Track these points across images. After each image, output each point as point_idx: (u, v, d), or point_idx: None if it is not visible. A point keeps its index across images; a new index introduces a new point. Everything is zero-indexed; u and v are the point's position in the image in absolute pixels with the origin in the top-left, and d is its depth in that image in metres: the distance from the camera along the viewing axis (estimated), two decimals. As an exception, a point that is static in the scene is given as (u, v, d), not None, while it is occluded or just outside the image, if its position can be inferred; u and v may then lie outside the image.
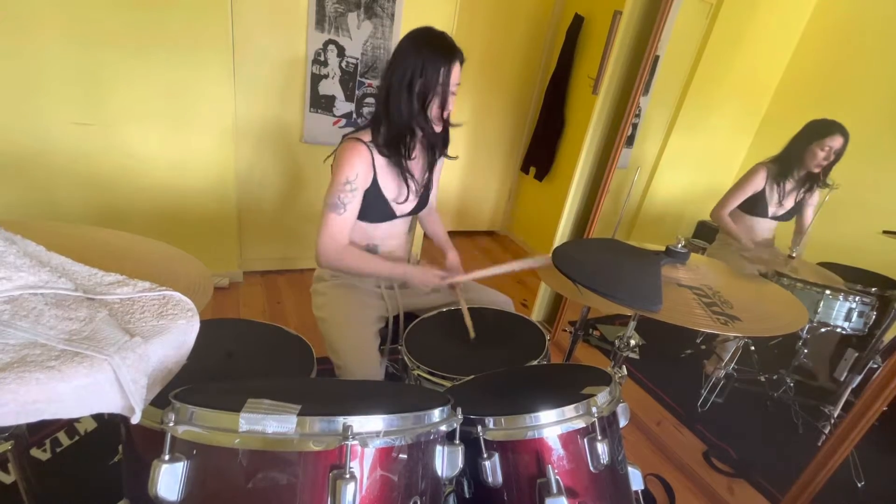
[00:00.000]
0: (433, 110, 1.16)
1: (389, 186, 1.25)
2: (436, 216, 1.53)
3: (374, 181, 1.22)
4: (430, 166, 1.32)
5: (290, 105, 2.27)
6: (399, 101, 1.14)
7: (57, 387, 0.47)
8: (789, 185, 1.83)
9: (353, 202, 1.19)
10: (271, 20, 2.08)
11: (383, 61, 2.31)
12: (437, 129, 1.22)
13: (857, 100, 1.79)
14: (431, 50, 1.10)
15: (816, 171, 1.76)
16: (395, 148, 1.20)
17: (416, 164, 1.29)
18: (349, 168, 1.16)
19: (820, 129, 1.74)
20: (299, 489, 0.54)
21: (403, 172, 1.23)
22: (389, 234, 1.33)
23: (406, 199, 1.29)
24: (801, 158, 1.78)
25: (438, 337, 1.23)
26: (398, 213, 1.30)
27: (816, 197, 1.82)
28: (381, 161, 1.21)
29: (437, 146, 1.30)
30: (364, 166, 1.18)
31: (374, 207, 1.25)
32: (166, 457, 0.55)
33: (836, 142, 1.70)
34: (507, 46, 3.17)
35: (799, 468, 1.35)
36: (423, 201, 1.35)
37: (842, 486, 1.53)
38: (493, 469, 0.73)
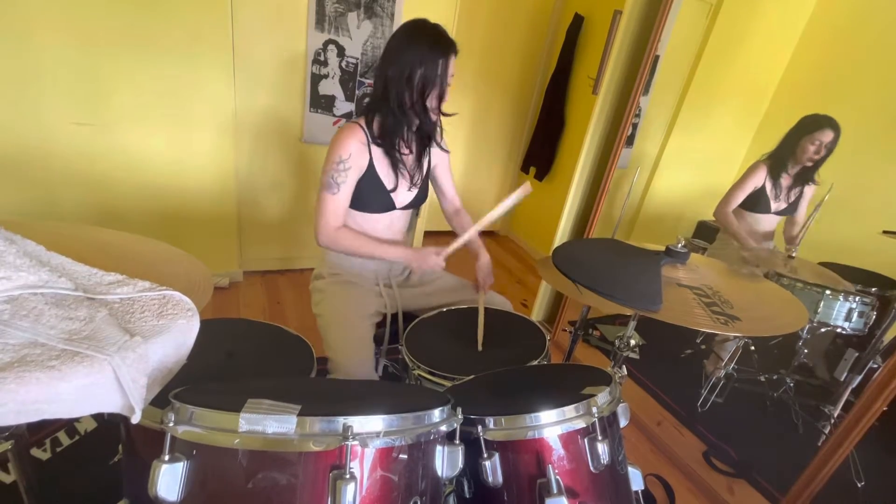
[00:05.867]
0: (432, 102, 1.18)
1: (386, 174, 1.25)
2: (464, 217, 1.51)
3: (371, 166, 1.22)
4: (421, 157, 1.32)
5: (290, 105, 2.27)
6: (399, 94, 1.15)
7: (57, 386, 0.47)
8: (785, 180, 1.84)
9: (347, 182, 1.20)
10: (271, 20, 2.08)
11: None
12: (434, 118, 1.24)
13: (856, 100, 1.79)
14: (430, 43, 1.12)
15: (809, 165, 1.77)
16: (390, 139, 1.21)
17: (409, 154, 1.30)
18: (343, 147, 1.18)
19: (810, 124, 1.75)
20: (299, 489, 0.54)
21: (396, 162, 1.24)
22: (389, 229, 1.33)
23: (401, 190, 1.29)
24: (794, 153, 1.80)
25: (438, 337, 1.23)
26: (398, 205, 1.30)
27: (810, 192, 1.83)
28: (376, 149, 1.23)
29: (431, 136, 1.31)
30: (358, 147, 1.19)
31: (373, 196, 1.25)
32: (166, 457, 0.55)
33: (826, 136, 1.71)
34: (507, 46, 3.17)
35: (799, 468, 1.35)
36: (421, 194, 1.35)
37: (842, 486, 1.52)
38: (493, 469, 0.73)
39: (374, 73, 1.22)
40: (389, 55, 1.15)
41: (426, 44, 1.12)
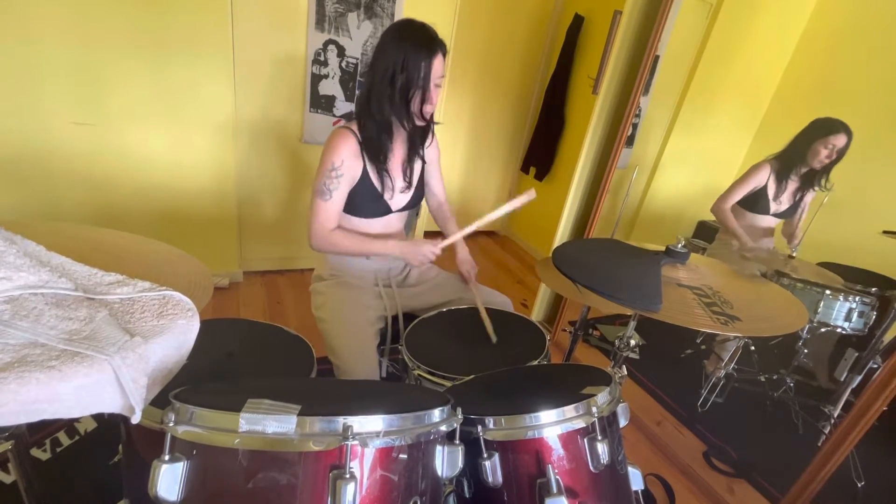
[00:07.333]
0: (415, 105, 1.15)
1: (379, 180, 1.25)
2: (447, 213, 1.51)
3: (364, 173, 1.22)
4: (412, 161, 1.31)
5: (290, 105, 2.27)
6: (381, 96, 1.14)
7: (57, 387, 0.47)
8: (791, 182, 1.83)
9: (339, 189, 1.19)
10: (271, 20, 2.08)
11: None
12: (419, 123, 1.22)
13: (856, 100, 1.79)
14: (412, 43, 1.09)
15: (818, 168, 1.77)
16: (376, 143, 1.20)
17: (397, 158, 1.29)
18: (335, 154, 1.17)
19: (824, 127, 1.74)
20: (299, 489, 0.54)
21: (382, 167, 1.23)
22: (385, 231, 1.33)
23: (395, 194, 1.29)
24: (804, 156, 1.78)
25: (438, 337, 1.23)
26: (393, 208, 1.30)
27: (810, 196, 1.82)
28: (367, 154, 1.22)
29: (418, 141, 1.30)
30: (350, 155, 1.19)
31: (368, 201, 1.25)
32: (166, 457, 0.55)
33: (840, 140, 1.70)
34: (507, 46, 3.17)
35: (799, 468, 1.35)
36: (417, 196, 1.35)
37: (842, 486, 1.52)
38: (493, 469, 0.73)
39: (364, 76, 1.20)
40: (374, 56, 1.13)
41: (409, 44, 1.09)
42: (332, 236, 1.22)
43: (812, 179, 1.80)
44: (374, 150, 1.21)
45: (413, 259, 1.27)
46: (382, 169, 1.23)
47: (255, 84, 2.16)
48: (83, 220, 1.95)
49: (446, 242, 1.28)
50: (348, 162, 1.19)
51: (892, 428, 1.36)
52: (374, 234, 1.31)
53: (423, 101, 1.15)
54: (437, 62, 1.12)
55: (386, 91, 1.12)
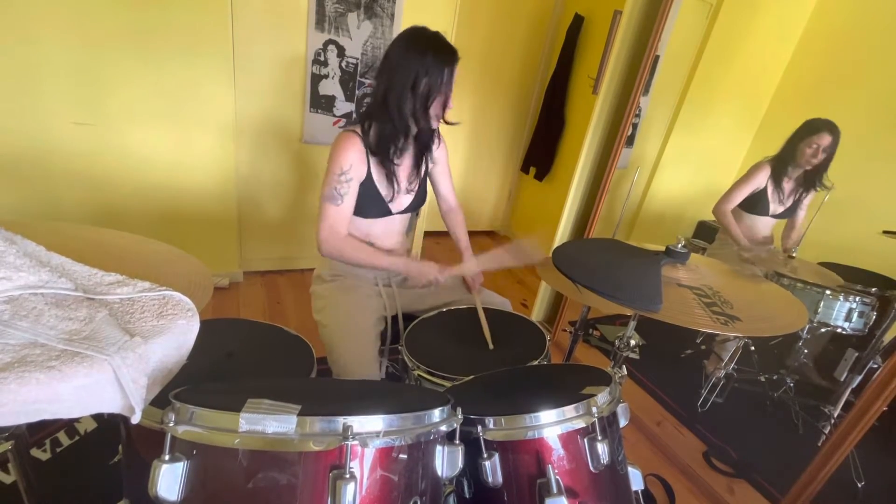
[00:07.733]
0: (434, 109, 1.19)
1: (382, 182, 1.26)
2: (457, 216, 1.52)
3: (369, 174, 1.23)
4: (419, 164, 1.32)
5: (290, 105, 2.27)
6: (401, 101, 1.16)
7: (57, 387, 0.47)
8: (787, 183, 1.84)
9: (350, 193, 1.20)
10: (271, 20, 2.08)
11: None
12: (436, 126, 1.25)
13: (856, 100, 1.79)
14: (435, 52, 1.13)
15: (809, 168, 1.77)
16: (384, 147, 1.21)
17: (405, 161, 1.30)
18: (343, 158, 1.18)
19: (808, 127, 1.75)
20: (299, 489, 0.54)
21: (391, 170, 1.24)
22: (386, 232, 1.34)
23: (398, 195, 1.30)
24: (794, 156, 1.80)
25: (438, 337, 1.23)
26: (394, 210, 1.31)
27: (810, 197, 1.83)
28: (374, 158, 1.23)
29: (427, 143, 1.32)
30: (358, 157, 1.20)
31: (370, 202, 1.26)
32: (166, 457, 0.55)
33: (824, 139, 1.71)
34: (507, 46, 3.17)
35: (799, 468, 1.35)
36: (419, 198, 1.36)
37: (842, 486, 1.52)
38: (493, 469, 0.73)
39: (374, 79, 1.22)
40: (392, 62, 1.15)
41: (431, 52, 1.12)
42: (343, 244, 1.22)
43: (808, 180, 1.81)
44: (387, 153, 1.22)
45: (416, 280, 1.30)
46: (391, 172, 1.24)
47: (255, 84, 2.16)
48: (83, 220, 1.95)
49: (453, 272, 1.31)
50: (356, 165, 1.20)
51: (892, 428, 1.36)
52: (382, 244, 1.33)
53: (444, 106, 1.19)
54: (456, 70, 1.17)
55: (407, 96, 1.15)
